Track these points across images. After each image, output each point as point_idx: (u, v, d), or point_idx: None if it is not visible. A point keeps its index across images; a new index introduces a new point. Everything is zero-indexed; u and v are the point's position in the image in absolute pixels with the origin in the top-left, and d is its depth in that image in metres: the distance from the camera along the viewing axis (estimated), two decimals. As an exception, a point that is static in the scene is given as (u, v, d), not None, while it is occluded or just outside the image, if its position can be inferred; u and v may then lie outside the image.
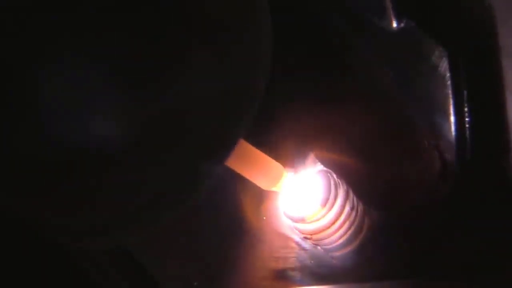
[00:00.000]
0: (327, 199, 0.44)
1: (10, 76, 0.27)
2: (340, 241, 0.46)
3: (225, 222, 0.46)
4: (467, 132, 0.43)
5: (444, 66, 0.43)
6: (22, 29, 0.27)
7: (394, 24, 0.43)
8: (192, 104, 0.31)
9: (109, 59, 0.28)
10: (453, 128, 0.43)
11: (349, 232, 0.46)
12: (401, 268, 0.44)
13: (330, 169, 0.45)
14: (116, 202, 0.32)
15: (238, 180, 0.43)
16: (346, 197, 0.45)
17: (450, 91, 0.43)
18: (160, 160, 0.31)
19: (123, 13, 0.28)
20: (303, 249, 0.47)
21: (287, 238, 0.46)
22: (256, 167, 0.41)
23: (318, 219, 0.44)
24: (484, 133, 0.43)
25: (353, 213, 0.46)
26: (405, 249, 0.44)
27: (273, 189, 0.43)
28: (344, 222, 0.45)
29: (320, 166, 0.46)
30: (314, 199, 0.44)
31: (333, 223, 0.45)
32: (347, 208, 0.45)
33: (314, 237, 0.46)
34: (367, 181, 0.46)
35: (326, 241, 0.46)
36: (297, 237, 0.47)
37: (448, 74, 0.43)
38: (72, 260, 0.44)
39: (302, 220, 0.44)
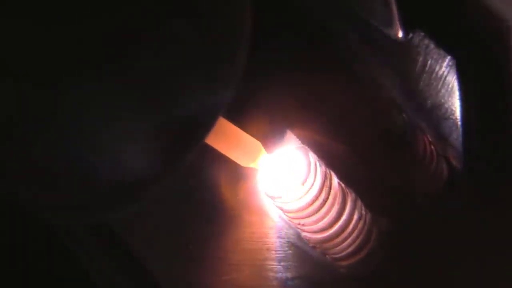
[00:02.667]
0: (307, 175, 0.45)
1: None
2: (349, 250, 0.46)
3: (202, 202, 0.46)
4: (476, 141, 0.44)
5: (452, 74, 0.43)
6: None
7: (402, 34, 0.43)
8: (172, 77, 0.31)
9: None
10: (461, 136, 0.44)
11: (357, 241, 0.46)
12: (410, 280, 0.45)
13: (308, 148, 0.46)
14: (96, 180, 0.33)
15: (215, 159, 0.43)
16: (325, 177, 0.45)
17: (458, 100, 0.44)
18: (139, 136, 0.31)
19: None
20: (282, 228, 0.47)
21: (266, 218, 0.47)
22: (234, 143, 0.41)
23: (299, 197, 0.45)
24: (492, 141, 0.43)
25: (361, 222, 0.46)
26: (413, 260, 0.45)
27: (251, 165, 0.44)
28: (352, 231, 0.45)
29: (298, 143, 0.46)
30: (293, 176, 0.45)
31: (342, 232, 0.45)
32: (355, 217, 0.45)
33: (322, 246, 0.46)
34: (347, 163, 0.46)
35: (335, 250, 0.46)
36: (276, 216, 0.47)
37: (456, 83, 0.44)
38: (72, 260, 0.44)
39: (281, 198, 0.45)
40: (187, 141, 0.33)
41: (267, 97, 0.46)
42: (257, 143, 0.43)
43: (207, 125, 0.34)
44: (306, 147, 0.46)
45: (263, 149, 0.43)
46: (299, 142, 0.46)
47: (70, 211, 0.35)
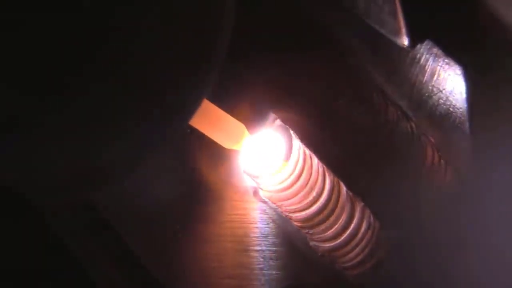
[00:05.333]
0: (289, 152, 0.45)
1: None
2: (358, 259, 0.46)
3: (184, 183, 0.46)
4: (484, 149, 0.44)
5: (461, 83, 0.44)
6: None
7: (409, 42, 0.44)
8: (155, 64, 0.31)
9: None
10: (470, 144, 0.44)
11: (366, 250, 0.46)
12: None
13: (291, 129, 0.46)
14: (78, 161, 0.33)
15: (198, 140, 0.44)
16: (333, 185, 0.45)
17: (467, 109, 0.44)
18: (123, 120, 0.32)
19: None
20: (264, 212, 0.47)
21: (249, 197, 0.47)
22: (218, 125, 0.42)
23: (284, 179, 0.45)
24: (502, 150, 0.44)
25: (370, 232, 0.46)
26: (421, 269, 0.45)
27: (235, 147, 0.44)
28: (361, 240, 0.46)
29: (279, 123, 0.47)
30: (275, 154, 0.46)
31: (351, 241, 0.46)
32: (364, 226, 0.45)
33: (331, 255, 0.46)
34: (330, 145, 0.46)
35: (344, 259, 0.46)
36: (258, 199, 0.47)
37: (465, 91, 0.44)
38: (72, 260, 0.44)
39: (263, 177, 0.45)
40: (171, 123, 0.33)
41: (251, 79, 0.46)
42: (240, 125, 0.43)
43: (191, 108, 0.34)
44: (289, 128, 0.46)
45: (246, 132, 0.44)
46: (282, 123, 0.47)
47: (51, 191, 0.35)
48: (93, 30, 0.29)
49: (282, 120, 0.46)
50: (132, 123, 0.32)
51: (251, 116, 0.46)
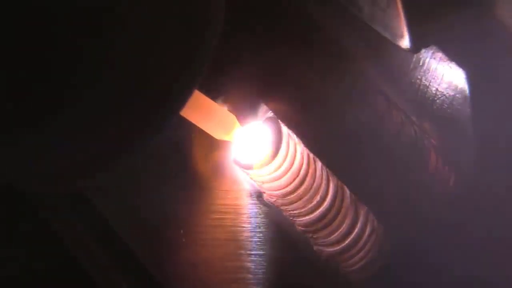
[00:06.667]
0: (279, 144, 0.45)
1: None
2: (362, 263, 0.46)
3: (176, 174, 0.47)
4: (488, 153, 0.44)
5: (464, 87, 0.44)
6: None
7: (413, 47, 0.44)
8: (147, 54, 0.32)
9: None
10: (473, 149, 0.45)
11: (370, 254, 0.46)
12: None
13: (281, 120, 0.46)
14: (71, 149, 0.34)
15: (189, 131, 0.44)
16: (337, 189, 0.45)
17: (470, 112, 0.44)
18: (115, 109, 0.32)
19: None
20: (254, 204, 0.48)
21: (238, 186, 0.48)
22: (210, 117, 0.42)
23: (273, 170, 0.45)
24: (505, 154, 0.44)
25: (374, 236, 0.46)
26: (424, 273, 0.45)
27: (226, 138, 0.44)
28: (365, 244, 0.46)
29: (270, 114, 0.47)
30: (265, 146, 0.46)
31: (355, 245, 0.46)
32: (368, 230, 0.45)
33: (335, 259, 0.46)
34: (320, 135, 0.47)
35: (348, 263, 0.46)
36: (247, 185, 0.48)
37: (470, 96, 0.44)
38: (72, 260, 0.45)
39: (252, 168, 0.45)
40: (162, 113, 0.34)
41: (243, 71, 0.47)
42: (231, 116, 0.43)
43: (181, 98, 0.34)
44: (278, 119, 0.46)
45: (237, 122, 0.44)
46: (272, 114, 0.47)
47: (45, 179, 0.36)
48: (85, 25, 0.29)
49: (273, 112, 0.46)
50: (124, 114, 0.32)
51: (242, 108, 0.46)
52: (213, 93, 0.42)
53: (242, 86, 0.46)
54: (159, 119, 0.34)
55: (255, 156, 0.45)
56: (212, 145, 0.46)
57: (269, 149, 0.45)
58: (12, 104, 0.30)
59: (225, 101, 0.44)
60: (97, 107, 0.31)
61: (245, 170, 0.46)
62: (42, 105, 0.30)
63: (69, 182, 0.37)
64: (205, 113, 0.41)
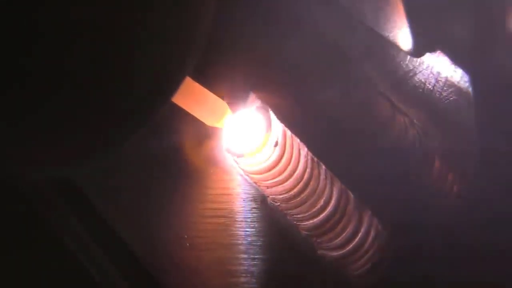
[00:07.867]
0: (269, 133, 0.45)
1: None
2: (366, 267, 0.45)
3: (179, 176, 0.47)
4: (492, 158, 0.44)
5: (468, 92, 0.44)
6: None
7: (417, 51, 0.44)
8: (139, 41, 0.31)
9: None
10: (477, 154, 0.44)
11: (374, 258, 0.45)
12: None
13: (271, 109, 0.46)
14: (64, 138, 0.34)
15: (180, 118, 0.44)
16: (341, 193, 0.45)
17: (474, 117, 0.44)
18: (105, 94, 0.32)
19: None
20: (246, 185, 0.48)
21: (230, 175, 0.48)
22: (201, 103, 0.42)
23: (265, 159, 0.45)
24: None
25: (378, 240, 0.45)
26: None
27: (217, 125, 0.44)
28: (369, 248, 0.45)
29: (259, 103, 0.47)
30: (256, 134, 0.46)
31: (359, 249, 0.45)
32: (372, 234, 0.45)
33: (339, 263, 0.45)
34: (309, 124, 0.47)
35: (352, 267, 0.45)
36: (239, 174, 0.47)
37: (472, 100, 0.43)
38: (72, 259, 0.45)
39: (244, 156, 0.45)
40: (154, 100, 0.34)
41: (233, 58, 0.47)
42: (223, 103, 0.44)
43: (173, 85, 0.35)
44: (268, 107, 0.46)
45: (228, 109, 0.44)
46: (262, 103, 0.47)
47: (37, 166, 0.36)
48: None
49: (262, 101, 0.46)
50: (115, 100, 0.32)
51: (232, 96, 0.46)
52: (204, 80, 0.42)
53: (233, 74, 0.46)
54: (150, 105, 0.34)
55: (246, 143, 0.45)
56: (219, 148, 0.46)
57: (260, 136, 0.45)
58: None
59: (216, 89, 0.44)
60: (91, 92, 0.31)
61: (237, 159, 0.46)
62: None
63: (61, 170, 0.37)
64: (196, 99, 0.42)
